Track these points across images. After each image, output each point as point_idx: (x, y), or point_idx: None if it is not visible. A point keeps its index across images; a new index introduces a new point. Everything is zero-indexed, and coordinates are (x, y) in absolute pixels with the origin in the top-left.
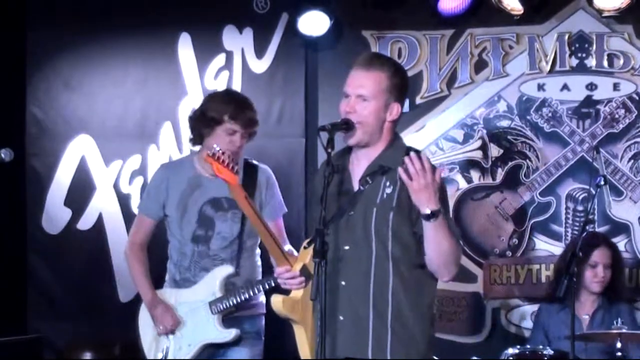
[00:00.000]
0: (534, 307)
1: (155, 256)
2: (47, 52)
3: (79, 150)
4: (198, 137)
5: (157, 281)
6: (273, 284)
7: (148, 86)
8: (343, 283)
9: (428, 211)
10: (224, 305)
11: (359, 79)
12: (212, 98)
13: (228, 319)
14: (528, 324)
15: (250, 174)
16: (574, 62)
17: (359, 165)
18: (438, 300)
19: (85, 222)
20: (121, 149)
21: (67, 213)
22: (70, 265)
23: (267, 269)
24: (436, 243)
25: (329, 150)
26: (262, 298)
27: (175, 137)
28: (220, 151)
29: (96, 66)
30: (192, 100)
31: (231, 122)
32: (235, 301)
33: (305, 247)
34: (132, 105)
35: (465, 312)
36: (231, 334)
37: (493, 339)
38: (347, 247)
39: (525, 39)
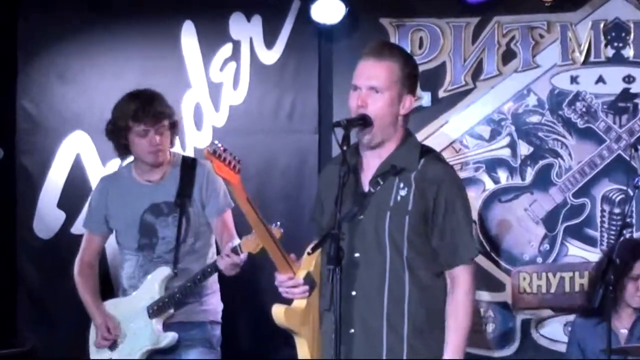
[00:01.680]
0: (567, 319)
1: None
2: (39, 42)
3: (73, 148)
4: (122, 149)
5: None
6: (203, 276)
7: (149, 79)
8: (354, 293)
9: None
10: (160, 308)
11: (370, 70)
12: (116, 107)
13: (171, 324)
14: (560, 336)
15: (187, 171)
16: (610, 52)
17: (368, 165)
18: None
19: (80, 226)
20: None
21: (60, 216)
22: (64, 272)
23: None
24: None
25: (345, 147)
26: (219, 306)
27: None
28: (222, 147)
29: (93, 57)
30: (196, 94)
31: (137, 124)
32: (171, 302)
33: (309, 253)
34: None
35: (491, 324)
36: (167, 337)
37: (522, 354)
38: (357, 255)
39: (557, 27)
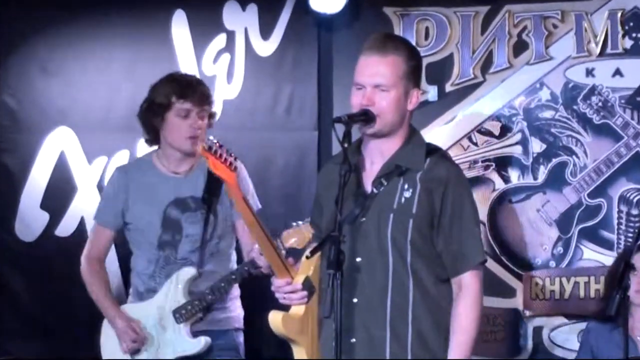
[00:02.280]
0: (582, 326)
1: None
2: (20, 32)
3: (57, 145)
4: (152, 134)
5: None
6: (238, 278)
7: (137, 71)
8: (355, 300)
9: None
10: (189, 312)
11: (375, 66)
12: (155, 85)
13: (198, 331)
14: (574, 345)
15: None
16: (628, 43)
17: (371, 164)
18: None
19: (65, 228)
20: (106, 143)
21: (43, 217)
22: (48, 277)
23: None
24: None
25: (346, 144)
26: (240, 311)
27: None
28: (217, 143)
29: (77, 48)
30: None
31: (181, 101)
32: (200, 306)
33: (307, 257)
34: (118, 93)
35: (502, 332)
36: (200, 342)
37: None
38: (359, 259)
39: (571, 16)
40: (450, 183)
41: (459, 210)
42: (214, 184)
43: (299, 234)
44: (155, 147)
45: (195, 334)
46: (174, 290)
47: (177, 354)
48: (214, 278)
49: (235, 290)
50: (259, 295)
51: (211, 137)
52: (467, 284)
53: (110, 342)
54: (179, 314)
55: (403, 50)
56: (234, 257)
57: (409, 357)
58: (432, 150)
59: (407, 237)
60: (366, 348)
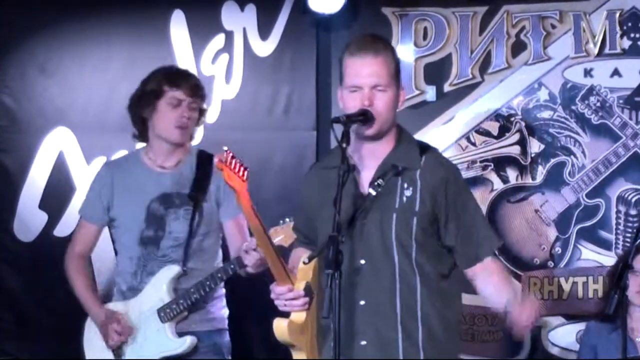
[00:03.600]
0: (580, 326)
1: None
2: (19, 31)
3: (56, 145)
4: (141, 126)
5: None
6: (224, 276)
7: (136, 72)
8: (362, 303)
9: None
10: (174, 311)
11: (371, 67)
12: (146, 77)
13: (182, 332)
14: (573, 345)
15: (204, 163)
16: (626, 43)
17: (364, 166)
18: (470, 318)
19: (64, 228)
20: (105, 143)
21: (42, 217)
22: (46, 277)
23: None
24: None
25: (344, 145)
26: (225, 311)
27: None
28: (231, 154)
29: (76, 49)
30: None
31: (173, 89)
32: (185, 304)
33: (305, 263)
34: (117, 93)
35: (500, 332)
36: (186, 342)
37: None
38: (362, 261)
39: (569, 17)
40: (450, 179)
41: (464, 204)
42: (202, 182)
43: (286, 232)
44: (144, 145)
45: (180, 333)
46: (157, 289)
47: (162, 354)
48: (199, 276)
49: (220, 290)
50: (244, 295)
51: (225, 148)
52: (493, 266)
53: (93, 340)
54: (164, 313)
55: (391, 49)
56: (219, 255)
57: (422, 354)
58: (425, 148)
59: (411, 235)
60: (378, 350)
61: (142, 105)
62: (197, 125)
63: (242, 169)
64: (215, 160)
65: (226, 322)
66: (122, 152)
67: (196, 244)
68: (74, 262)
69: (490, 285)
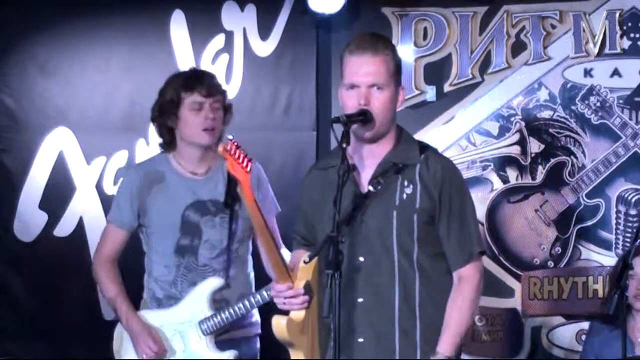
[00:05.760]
0: (580, 326)
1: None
2: (19, 32)
3: (56, 146)
4: (167, 136)
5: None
6: (269, 298)
7: (136, 72)
8: (360, 300)
9: None
10: (216, 325)
11: (369, 65)
12: (164, 86)
13: (221, 340)
14: (573, 345)
15: None
16: (626, 43)
17: (364, 166)
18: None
19: (64, 228)
20: (105, 143)
21: (42, 217)
22: (46, 277)
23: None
24: None
25: (344, 145)
26: (257, 317)
27: None
28: (235, 144)
29: (76, 49)
30: None
31: (189, 94)
32: (228, 319)
33: (305, 262)
34: (117, 93)
35: (500, 332)
36: (228, 356)
37: None
38: (361, 259)
39: (569, 17)
40: (447, 178)
41: (456, 206)
42: (235, 188)
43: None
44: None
45: (219, 344)
46: (199, 300)
47: None
48: (236, 284)
49: (252, 289)
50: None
51: (230, 137)
52: (467, 277)
53: (125, 346)
54: (206, 326)
55: (391, 48)
56: (250, 262)
57: (418, 352)
58: (424, 147)
59: (412, 232)
60: (374, 346)
61: (164, 116)
62: (224, 124)
63: (246, 159)
64: (220, 149)
65: (259, 327)
66: (122, 153)
67: (233, 254)
68: (103, 267)
69: (451, 302)
